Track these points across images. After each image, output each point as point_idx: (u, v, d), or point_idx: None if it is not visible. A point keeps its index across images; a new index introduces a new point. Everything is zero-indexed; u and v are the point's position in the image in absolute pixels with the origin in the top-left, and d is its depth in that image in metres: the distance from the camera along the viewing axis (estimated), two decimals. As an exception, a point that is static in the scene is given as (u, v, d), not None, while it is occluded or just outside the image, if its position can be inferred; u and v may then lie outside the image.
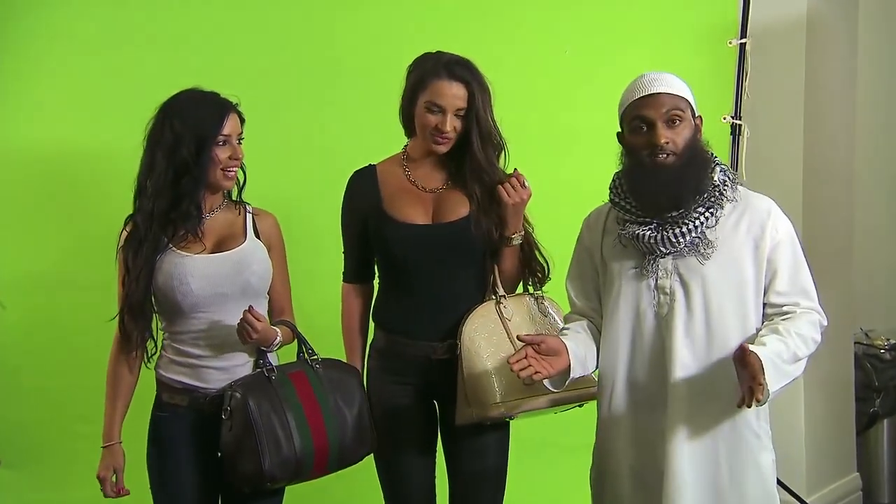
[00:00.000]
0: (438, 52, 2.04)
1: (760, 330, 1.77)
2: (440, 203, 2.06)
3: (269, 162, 2.62)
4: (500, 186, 2.00)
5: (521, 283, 2.15)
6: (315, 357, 1.99)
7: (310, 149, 2.82)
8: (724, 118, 2.90)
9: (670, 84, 1.77)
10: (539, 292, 2.12)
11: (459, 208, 2.04)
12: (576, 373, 1.83)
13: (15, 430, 2.79)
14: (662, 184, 1.74)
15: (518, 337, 1.79)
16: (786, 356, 1.70)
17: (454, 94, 1.98)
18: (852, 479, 3.43)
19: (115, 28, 2.75)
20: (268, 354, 1.97)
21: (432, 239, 2.03)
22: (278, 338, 1.96)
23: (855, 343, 3.53)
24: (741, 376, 1.65)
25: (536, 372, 1.74)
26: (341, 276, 2.19)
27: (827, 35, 3.14)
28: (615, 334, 1.86)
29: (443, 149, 2.02)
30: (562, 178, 2.73)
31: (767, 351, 1.67)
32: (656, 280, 1.81)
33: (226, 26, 2.80)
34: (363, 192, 2.09)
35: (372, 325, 2.19)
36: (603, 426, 1.91)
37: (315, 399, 1.93)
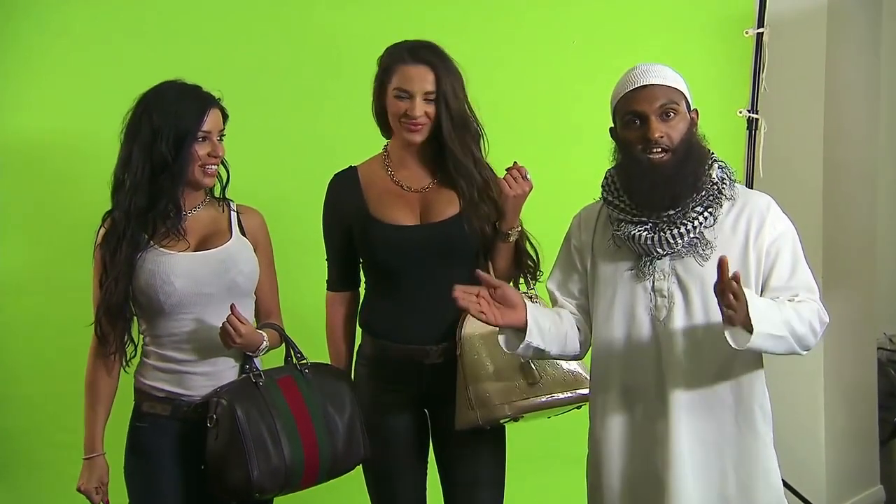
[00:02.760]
0: (403, 41, 2.03)
1: None
2: (428, 203, 2.05)
3: (263, 159, 2.64)
4: (500, 178, 2.00)
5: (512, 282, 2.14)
6: (304, 361, 1.98)
7: (304, 146, 2.80)
8: (740, 112, 2.89)
9: (664, 75, 1.76)
10: (532, 291, 2.12)
11: (448, 208, 2.03)
12: (532, 336, 1.78)
13: (-6, 439, 2.78)
14: (658, 181, 1.73)
15: (476, 272, 1.77)
16: (777, 318, 1.65)
17: (420, 77, 1.97)
18: (875, 492, 3.42)
19: (108, 22, 2.74)
20: (254, 359, 1.95)
21: (421, 240, 2.02)
22: (265, 342, 1.94)
23: (878, 348, 3.52)
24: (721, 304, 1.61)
25: (482, 311, 1.72)
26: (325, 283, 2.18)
27: (848, 24, 3.12)
28: (609, 339, 1.84)
29: (416, 137, 2.00)
30: (568, 174, 2.71)
31: (755, 297, 1.63)
32: (653, 282, 1.79)
33: (222, 21, 2.79)
34: (345, 195, 2.08)
35: (359, 330, 2.17)
36: (596, 436, 1.89)
37: (305, 406, 1.91)
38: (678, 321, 1.77)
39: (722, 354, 1.74)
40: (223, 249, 1.95)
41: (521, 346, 1.80)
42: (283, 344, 2.03)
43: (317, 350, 2.11)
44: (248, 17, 2.81)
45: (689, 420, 1.76)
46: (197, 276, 1.90)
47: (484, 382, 1.97)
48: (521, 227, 2.08)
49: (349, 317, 2.17)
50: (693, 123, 1.79)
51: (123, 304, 1.90)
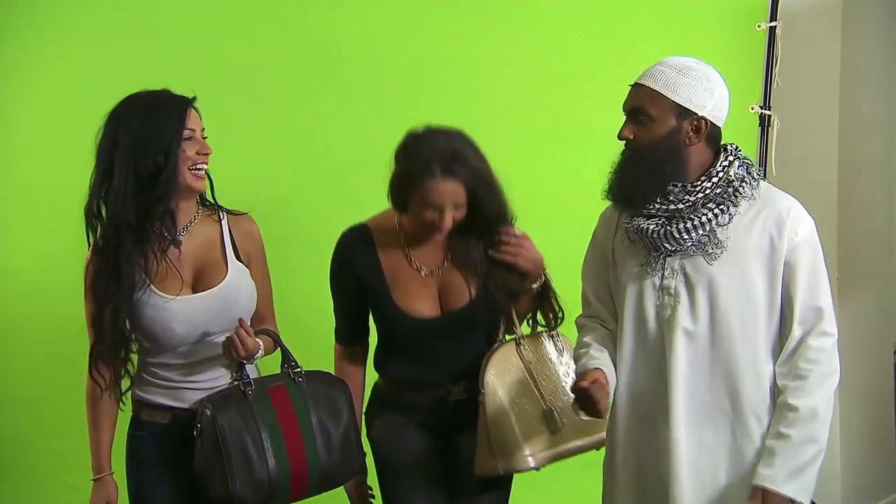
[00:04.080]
0: (427, 137, 1.93)
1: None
2: (444, 289, 2.04)
3: (261, 159, 2.63)
4: (495, 253, 1.99)
5: (530, 320, 2.15)
6: (298, 370, 1.95)
7: (303, 146, 2.78)
8: (752, 108, 2.87)
9: (658, 78, 1.74)
10: (554, 332, 2.12)
11: (464, 290, 2.03)
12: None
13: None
14: (618, 175, 1.78)
15: (571, 389, 1.79)
16: (800, 460, 1.70)
17: (451, 191, 1.90)
18: (893, 500, 3.39)
19: (106, 21, 2.73)
20: (246, 367, 1.94)
21: (442, 328, 2.03)
22: (260, 351, 1.92)
23: (894, 352, 3.49)
24: None
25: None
26: (334, 335, 2.16)
27: (864, 16, 3.09)
28: (621, 337, 1.85)
29: (440, 237, 1.99)
30: (576, 173, 2.69)
31: (777, 472, 1.69)
32: (661, 279, 1.79)
33: (221, 21, 2.77)
34: (360, 258, 2.04)
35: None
36: (609, 439, 1.91)
37: (294, 416, 1.89)
38: (682, 321, 1.76)
39: (722, 359, 1.74)
40: (223, 288, 1.92)
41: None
42: (277, 349, 2.00)
43: (314, 355, 2.08)
44: (248, 17, 2.79)
45: (688, 424, 1.75)
46: (198, 321, 1.89)
47: (506, 431, 1.97)
48: (546, 278, 2.06)
49: (362, 369, 2.17)
50: (683, 130, 1.74)
51: (121, 340, 1.87)
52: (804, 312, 1.73)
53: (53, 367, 2.59)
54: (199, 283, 1.92)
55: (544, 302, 2.09)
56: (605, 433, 1.98)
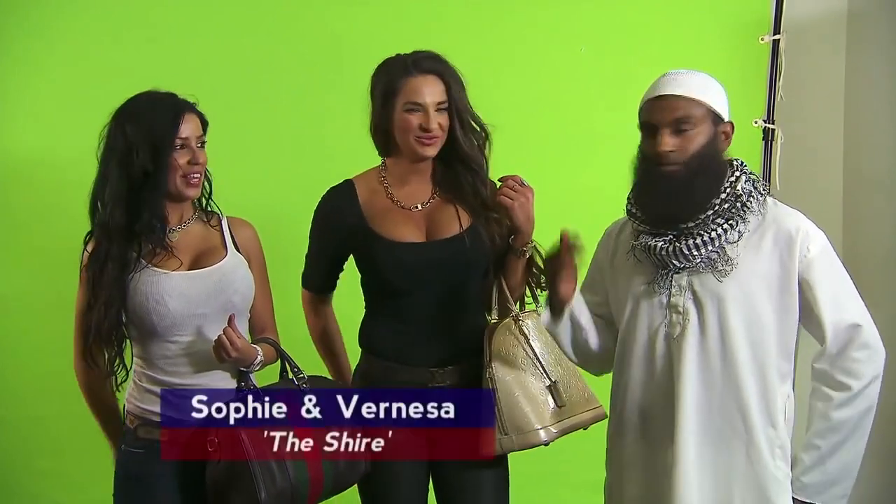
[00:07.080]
0: (401, 54, 2.04)
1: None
2: (432, 219, 2.06)
3: (257, 165, 2.65)
4: (500, 195, 2.00)
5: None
6: (301, 375, 1.97)
7: (301, 152, 2.81)
8: (756, 122, 2.89)
9: (688, 85, 1.75)
10: (541, 308, 2.11)
11: (453, 223, 2.04)
12: (574, 309, 1.88)
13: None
14: (664, 195, 1.74)
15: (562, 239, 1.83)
16: (829, 472, 1.74)
17: (430, 87, 1.99)
18: (900, 518, 3.38)
19: (106, 20, 2.76)
20: (250, 376, 1.95)
21: (429, 259, 2.02)
22: (259, 357, 1.94)
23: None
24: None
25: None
26: (301, 280, 2.18)
27: (869, 29, 3.11)
28: (627, 357, 1.85)
29: (431, 151, 2.01)
30: (579, 185, 2.71)
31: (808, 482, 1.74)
32: (669, 297, 1.79)
33: (222, 20, 2.80)
34: (343, 210, 2.07)
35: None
36: (612, 461, 1.91)
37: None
38: (691, 340, 1.77)
39: (733, 379, 1.75)
40: (218, 268, 1.95)
41: (565, 315, 1.87)
42: (279, 360, 2.02)
43: (305, 363, 2.10)
44: (250, 18, 2.82)
45: (698, 447, 1.75)
46: (191, 297, 1.91)
47: (516, 408, 1.98)
48: (534, 243, 2.07)
49: (332, 314, 2.20)
50: (719, 137, 1.77)
51: (115, 329, 1.90)
52: (836, 332, 1.75)
53: (47, 386, 2.58)
54: (197, 265, 1.96)
55: (531, 274, 2.11)
56: (595, 410, 2.02)
